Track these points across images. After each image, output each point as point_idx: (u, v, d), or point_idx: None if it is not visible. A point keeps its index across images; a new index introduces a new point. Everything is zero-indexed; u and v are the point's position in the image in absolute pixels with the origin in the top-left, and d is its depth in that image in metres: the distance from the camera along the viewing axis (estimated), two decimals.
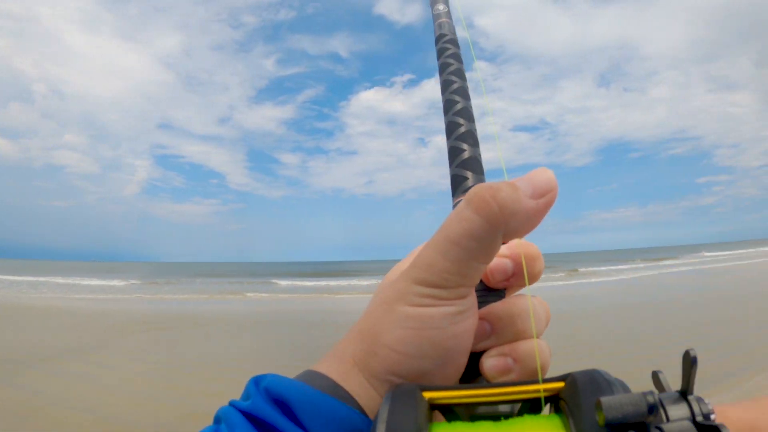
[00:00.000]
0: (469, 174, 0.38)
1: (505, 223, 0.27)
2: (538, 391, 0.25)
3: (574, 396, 0.23)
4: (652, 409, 0.20)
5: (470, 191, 0.28)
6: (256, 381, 0.31)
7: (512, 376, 0.30)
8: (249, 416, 0.29)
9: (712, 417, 0.24)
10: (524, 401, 0.27)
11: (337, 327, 7.90)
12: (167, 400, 3.93)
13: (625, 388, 0.23)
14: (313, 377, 0.31)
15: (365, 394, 0.30)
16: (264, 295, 14.75)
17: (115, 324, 8.03)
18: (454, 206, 0.37)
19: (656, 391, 0.22)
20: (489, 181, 0.35)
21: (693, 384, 0.25)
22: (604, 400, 0.20)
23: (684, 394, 0.25)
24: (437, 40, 0.49)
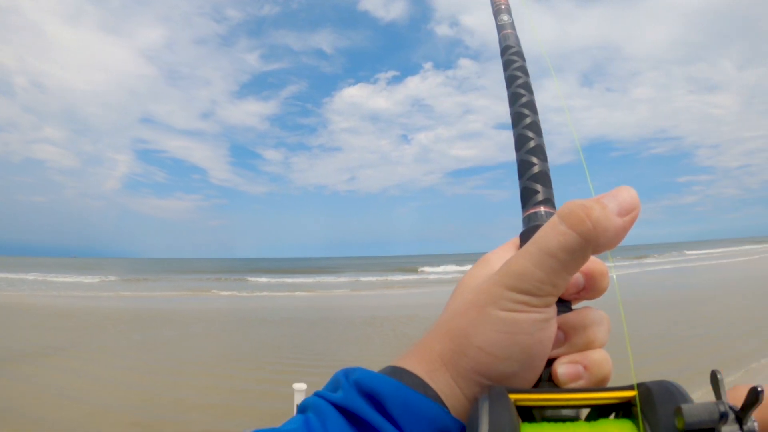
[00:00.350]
0: (539, 188, 0.39)
1: (597, 239, 0.29)
2: (614, 397, 0.28)
3: (650, 403, 0.26)
4: (723, 416, 0.23)
5: (563, 208, 0.30)
6: (347, 373, 0.33)
7: (581, 383, 0.32)
8: (340, 408, 0.31)
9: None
10: (597, 407, 0.30)
11: (309, 324, 7.87)
12: (134, 399, 3.87)
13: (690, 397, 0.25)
14: (401, 374, 0.32)
15: (451, 393, 0.32)
16: (236, 292, 14.68)
17: (88, 322, 7.89)
18: (525, 219, 0.39)
19: (725, 401, 0.24)
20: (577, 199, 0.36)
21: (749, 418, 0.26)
22: (685, 407, 0.23)
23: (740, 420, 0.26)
24: (503, 51, 0.49)
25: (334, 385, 0.33)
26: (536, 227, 0.35)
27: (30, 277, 20.05)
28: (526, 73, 0.46)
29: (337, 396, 0.31)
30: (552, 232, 0.29)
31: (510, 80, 0.46)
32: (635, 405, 0.27)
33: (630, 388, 0.28)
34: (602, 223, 0.28)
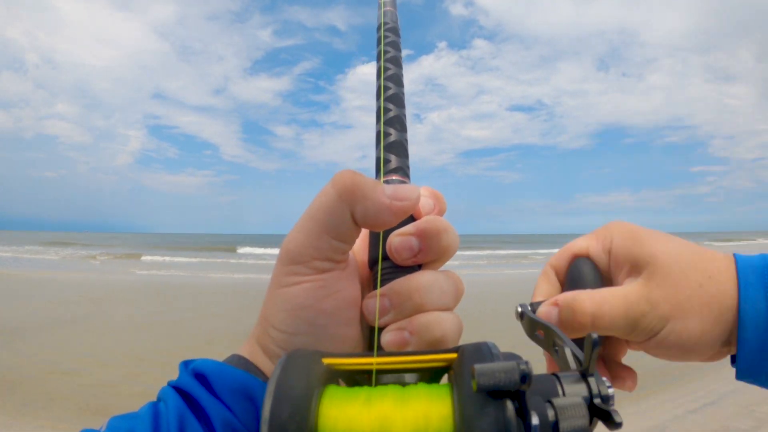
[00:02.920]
0: (392, 157, 0.39)
1: (354, 201, 0.30)
2: (434, 360, 0.26)
3: (461, 364, 0.24)
4: (525, 378, 0.20)
5: (337, 173, 0.31)
6: (186, 363, 0.35)
7: (409, 349, 0.31)
8: (177, 389, 0.33)
9: (611, 401, 0.24)
10: (420, 371, 0.29)
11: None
12: None
13: (513, 359, 0.22)
14: (232, 358, 0.35)
15: (269, 369, 0.34)
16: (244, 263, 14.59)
17: (95, 295, 7.91)
18: (377, 159, 0.39)
19: (530, 363, 0.22)
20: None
21: (593, 364, 0.25)
22: (478, 367, 0.21)
23: (584, 373, 0.25)
24: (378, 28, 0.49)
25: (179, 372, 0.34)
26: None
27: (32, 250, 20.16)
28: (398, 48, 0.46)
29: (175, 380, 0.33)
30: (318, 195, 0.31)
31: (379, 55, 0.46)
32: (452, 368, 0.26)
33: (454, 350, 0.26)
34: (363, 188, 0.30)
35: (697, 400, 3.37)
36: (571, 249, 0.46)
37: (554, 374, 0.25)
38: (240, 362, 0.34)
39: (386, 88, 0.43)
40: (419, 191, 0.32)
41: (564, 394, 0.25)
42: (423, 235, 0.33)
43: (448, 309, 0.33)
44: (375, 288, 0.34)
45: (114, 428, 0.30)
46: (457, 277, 0.35)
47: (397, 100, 0.43)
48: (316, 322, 0.32)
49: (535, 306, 0.43)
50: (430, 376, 0.29)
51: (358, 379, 0.29)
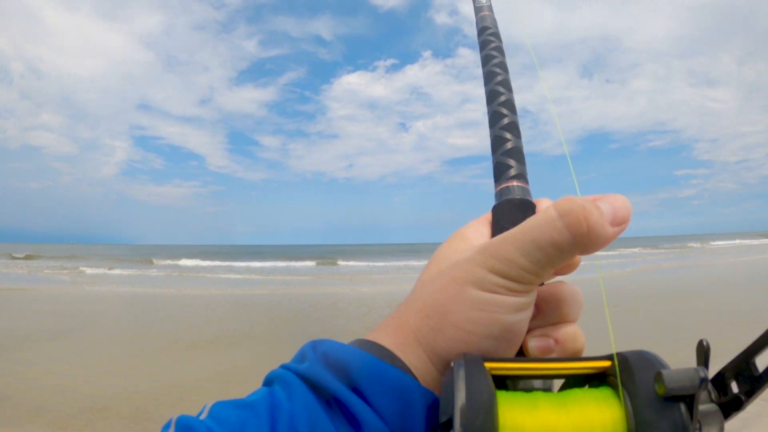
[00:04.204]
0: (512, 162, 0.39)
1: (587, 244, 0.28)
2: (588, 368, 0.27)
3: (627, 371, 0.25)
4: (702, 382, 0.23)
5: (563, 204, 0.28)
6: (314, 345, 0.32)
7: (552, 356, 0.32)
8: (305, 380, 0.29)
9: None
10: (572, 378, 0.29)
11: (310, 307, 7.76)
12: None
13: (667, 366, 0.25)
14: (369, 346, 0.31)
15: (423, 367, 0.31)
16: (234, 275, 14.49)
17: (85, 308, 7.79)
18: (497, 193, 0.38)
19: (703, 366, 0.24)
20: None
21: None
22: (665, 372, 0.23)
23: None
24: (480, 32, 0.50)
25: (301, 357, 0.32)
26: (509, 202, 0.37)
27: (26, 262, 19.86)
28: (502, 53, 0.47)
29: (303, 367, 0.30)
30: (546, 226, 0.29)
31: (486, 60, 0.46)
32: (611, 375, 0.27)
33: (605, 358, 0.27)
34: (596, 230, 0.28)
35: None
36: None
37: (702, 369, 0.25)
38: (382, 353, 0.31)
39: (499, 93, 0.43)
40: (629, 204, 0.30)
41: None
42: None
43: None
44: None
45: (221, 419, 0.28)
46: (581, 291, 0.35)
47: (510, 106, 0.42)
48: (511, 329, 0.30)
49: None
50: (572, 383, 0.29)
51: (506, 381, 0.29)
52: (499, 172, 0.39)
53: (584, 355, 0.32)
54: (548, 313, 0.33)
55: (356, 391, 0.29)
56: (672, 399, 0.23)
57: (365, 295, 9.25)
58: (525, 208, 0.36)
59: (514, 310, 0.30)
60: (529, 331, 0.33)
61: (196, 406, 0.29)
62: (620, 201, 0.29)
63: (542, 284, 0.34)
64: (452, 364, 0.27)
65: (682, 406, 0.23)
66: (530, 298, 0.31)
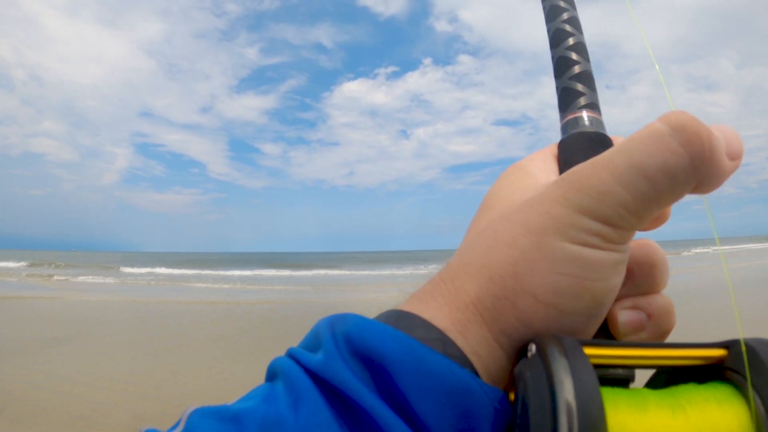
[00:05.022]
0: (583, 89, 0.31)
1: (707, 171, 0.21)
2: (703, 357, 0.21)
3: (756, 365, 0.19)
4: None
5: (673, 117, 0.21)
6: (332, 323, 0.22)
7: (643, 335, 0.25)
8: (318, 379, 0.20)
9: None
10: (677, 369, 0.22)
11: (311, 314, 7.74)
12: None
13: None
14: (412, 324, 0.22)
15: (487, 353, 0.22)
16: (233, 285, 14.48)
17: (87, 314, 7.80)
18: (564, 125, 0.30)
19: None
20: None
21: None
22: None
23: None
24: None
25: (314, 339, 0.23)
26: (580, 135, 0.29)
27: (29, 270, 19.86)
28: None
29: (317, 360, 0.21)
30: (655, 145, 0.21)
31: None
32: (731, 368, 0.20)
33: (720, 345, 0.21)
34: (718, 156, 0.21)
35: None
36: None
37: None
38: (429, 336, 0.22)
39: (561, 9, 0.34)
40: (743, 146, 0.23)
41: None
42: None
43: None
44: None
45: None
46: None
47: (576, 23, 0.34)
48: (602, 302, 0.23)
49: None
50: (670, 375, 0.23)
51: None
52: (567, 100, 0.31)
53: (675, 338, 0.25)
54: (640, 278, 0.25)
55: (394, 398, 0.20)
56: None
57: (365, 303, 9.22)
58: (600, 143, 0.28)
59: (612, 270, 0.22)
60: (616, 300, 0.25)
61: None
62: (733, 133, 0.22)
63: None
64: (531, 348, 0.20)
65: None
66: (625, 255, 0.23)
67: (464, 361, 0.22)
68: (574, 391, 0.17)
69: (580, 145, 0.28)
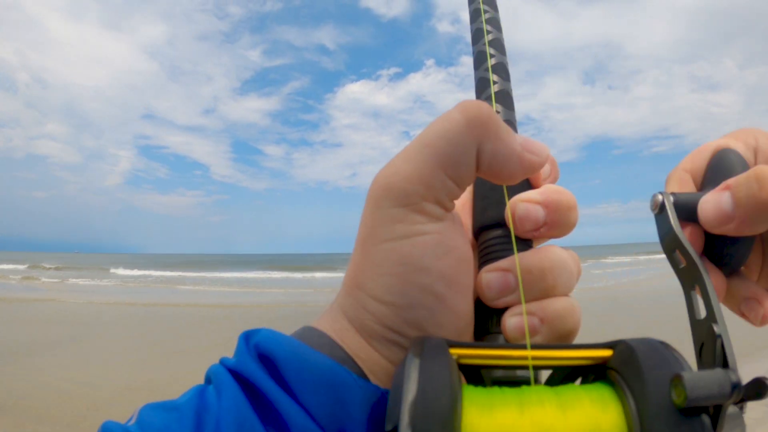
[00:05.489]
0: (500, 108, 0.33)
1: (484, 136, 0.24)
2: (584, 357, 0.21)
3: (633, 367, 0.19)
4: (735, 388, 0.18)
5: (463, 101, 0.25)
6: (247, 336, 0.27)
7: (537, 339, 0.26)
8: (235, 374, 0.25)
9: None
10: (563, 368, 0.23)
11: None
12: None
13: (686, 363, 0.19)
14: (310, 334, 0.26)
15: (365, 355, 0.26)
16: (234, 287, 14.49)
17: (88, 316, 7.82)
18: None
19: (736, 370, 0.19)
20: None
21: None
22: (687, 375, 0.17)
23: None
24: None
25: (237, 349, 0.27)
26: None
27: (29, 271, 19.91)
28: (495, 9, 0.41)
29: (233, 361, 0.26)
30: (438, 120, 0.25)
31: (474, 15, 0.40)
32: (613, 368, 0.21)
33: (606, 346, 0.21)
34: (497, 126, 0.24)
35: None
36: (709, 146, 0.33)
37: (734, 372, 0.20)
38: (321, 342, 0.26)
39: (486, 32, 0.37)
40: (548, 149, 0.27)
41: None
42: (552, 207, 0.28)
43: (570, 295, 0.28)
44: (487, 261, 0.28)
45: (146, 424, 0.24)
46: (577, 256, 0.28)
47: (499, 45, 0.37)
48: (434, 290, 0.24)
49: (682, 197, 0.28)
50: (562, 375, 0.23)
51: (481, 371, 0.24)
52: (481, 88, 0.35)
53: (580, 338, 0.27)
54: (531, 284, 0.26)
55: (285, 386, 0.24)
56: (692, 410, 0.17)
57: None
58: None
59: (427, 259, 0.24)
60: (508, 307, 0.27)
61: None
62: (537, 142, 0.26)
63: (529, 247, 0.29)
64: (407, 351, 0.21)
65: (705, 419, 0.17)
66: (437, 234, 0.25)
67: (347, 362, 0.25)
68: (417, 387, 0.18)
69: None
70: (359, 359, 0.26)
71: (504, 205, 0.29)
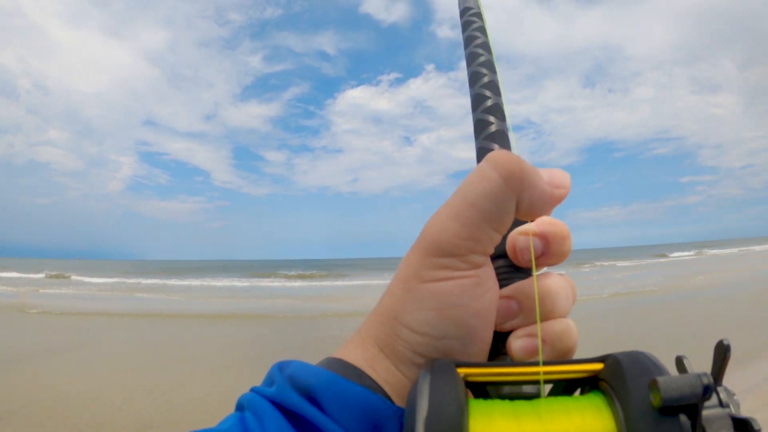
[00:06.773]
0: (492, 119, 0.38)
1: (522, 188, 0.27)
2: (577, 371, 0.25)
3: (619, 376, 0.22)
4: (707, 390, 0.19)
5: (493, 155, 0.28)
6: (281, 367, 0.30)
7: (539, 358, 0.29)
8: (275, 404, 0.28)
9: (740, 410, 0.23)
10: (562, 383, 0.26)
11: (318, 324, 7.73)
12: None
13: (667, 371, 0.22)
14: (337, 365, 0.29)
15: (393, 379, 0.29)
16: (240, 295, 14.48)
17: (94, 322, 7.81)
18: (478, 149, 0.38)
19: (709, 374, 0.21)
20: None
21: (723, 375, 0.24)
22: (661, 380, 0.20)
23: (715, 383, 0.23)
24: (462, 13, 0.49)
25: (269, 379, 0.30)
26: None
27: (34, 276, 19.93)
28: (485, 34, 0.45)
29: (272, 391, 0.28)
30: (477, 178, 0.28)
31: (468, 41, 0.45)
32: (603, 379, 0.24)
33: (597, 360, 0.25)
34: (530, 175, 0.27)
35: None
36: None
37: (705, 375, 0.22)
38: (351, 373, 0.29)
39: (481, 75, 0.41)
40: (569, 176, 0.30)
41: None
42: (549, 239, 0.31)
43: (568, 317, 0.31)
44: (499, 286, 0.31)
45: None
46: (573, 282, 0.32)
47: (494, 87, 0.41)
48: (467, 324, 0.28)
49: None
50: (562, 388, 0.26)
51: (486, 388, 0.27)
52: (480, 129, 0.38)
53: (580, 355, 0.29)
54: (532, 309, 0.30)
55: (325, 413, 0.27)
56: (670, 410, 0.20)
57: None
58: None
59: (464, 298, 0.28)
60: (512, 331, 0.30)
61: (202, 423, 0.29)
62: (558, 170, 0.29)
63: (527, 277, 0.31)
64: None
65: (683, 419, 0.20)
66: (478, 279, 0.28)
67: (376, 389, 0.28)
68: (428, 403, 0.21)
69: None
70: (387, 383, 0.29)
71: (505, 237, 0.32)
